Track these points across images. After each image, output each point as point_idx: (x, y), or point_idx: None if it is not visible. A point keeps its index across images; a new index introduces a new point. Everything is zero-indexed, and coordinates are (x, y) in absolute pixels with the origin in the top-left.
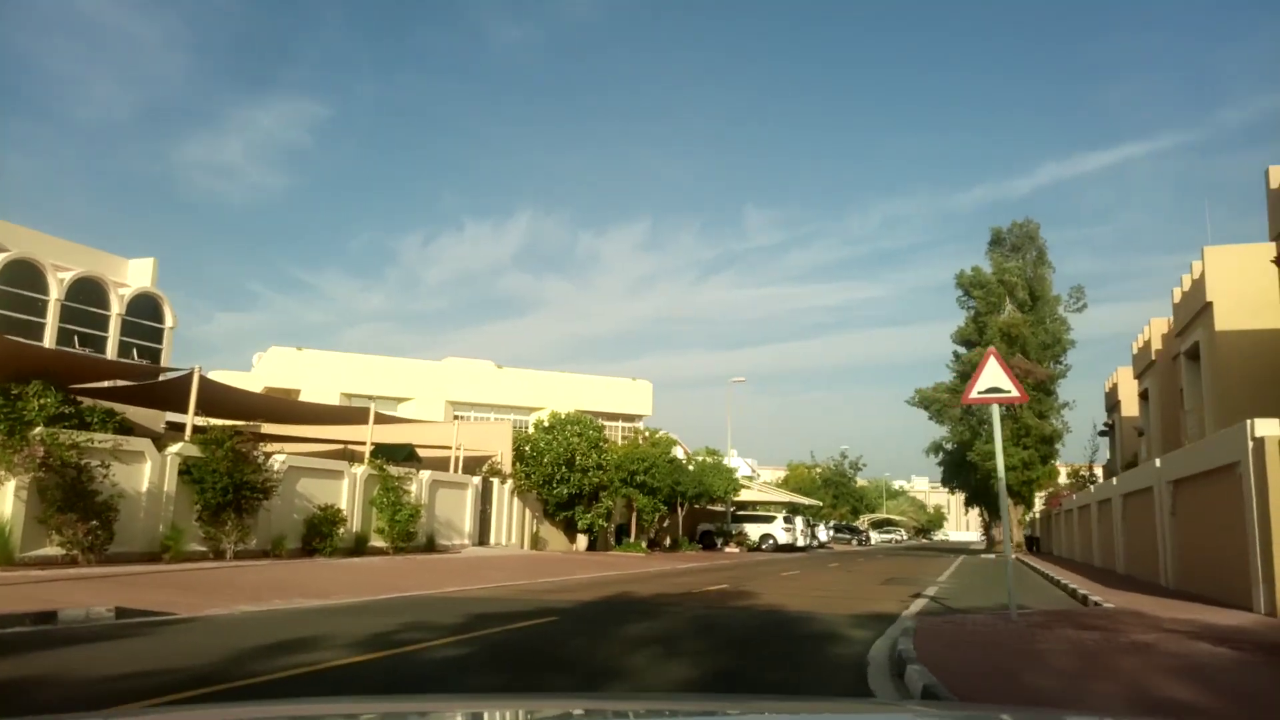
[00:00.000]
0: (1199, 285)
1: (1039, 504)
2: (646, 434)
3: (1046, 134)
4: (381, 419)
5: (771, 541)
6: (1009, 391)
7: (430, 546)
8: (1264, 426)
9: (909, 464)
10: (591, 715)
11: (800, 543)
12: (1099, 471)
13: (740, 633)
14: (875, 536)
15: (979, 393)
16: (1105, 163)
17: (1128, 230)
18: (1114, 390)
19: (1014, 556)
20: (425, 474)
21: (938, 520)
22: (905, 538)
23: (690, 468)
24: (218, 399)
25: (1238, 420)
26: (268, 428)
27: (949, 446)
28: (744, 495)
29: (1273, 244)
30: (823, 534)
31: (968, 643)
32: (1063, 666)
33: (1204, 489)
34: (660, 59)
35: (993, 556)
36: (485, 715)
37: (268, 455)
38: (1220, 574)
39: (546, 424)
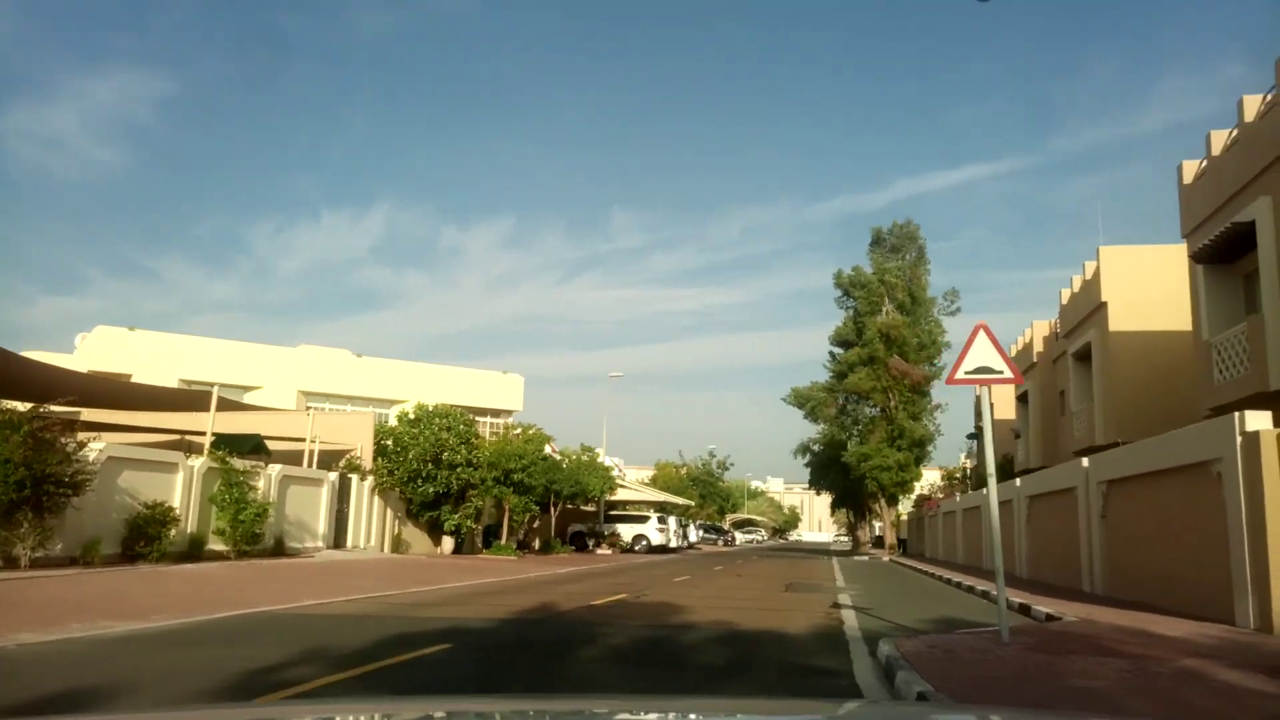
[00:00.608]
0: (1092, 286)
1: (907, 505)
2: (519, 430)
3: (900, 151)
4: (226, 405)
5: (645, 543)
6: (1000, 372)
7: (279, 550)
8: (1256, 420)
9: (766, 465)
10: (595, 715)
11: (673, 543)
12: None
13: (699, 660)
14: (739, 537)
15: (966, 373)
16: (953, 181)
17: (972, 246)
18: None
19: (888, 558)
20: (275, 468)
21: (793, 521)
22: (765, 538)
23: (564, 466)
24: (23, 377)
25: (1131, 420)
26: (91, 414)
27: (817, 448)
28: (618, 495)
29: (1164, 246)
30: (693, 534)
31: (984, 679)
32: (1140, 709)
33: (1153, 489)
34: (532, 55)
35: (865, 558)
36: (489, 716)
37: (80, 444)
38: (1177, 582)
39: (412, 416)
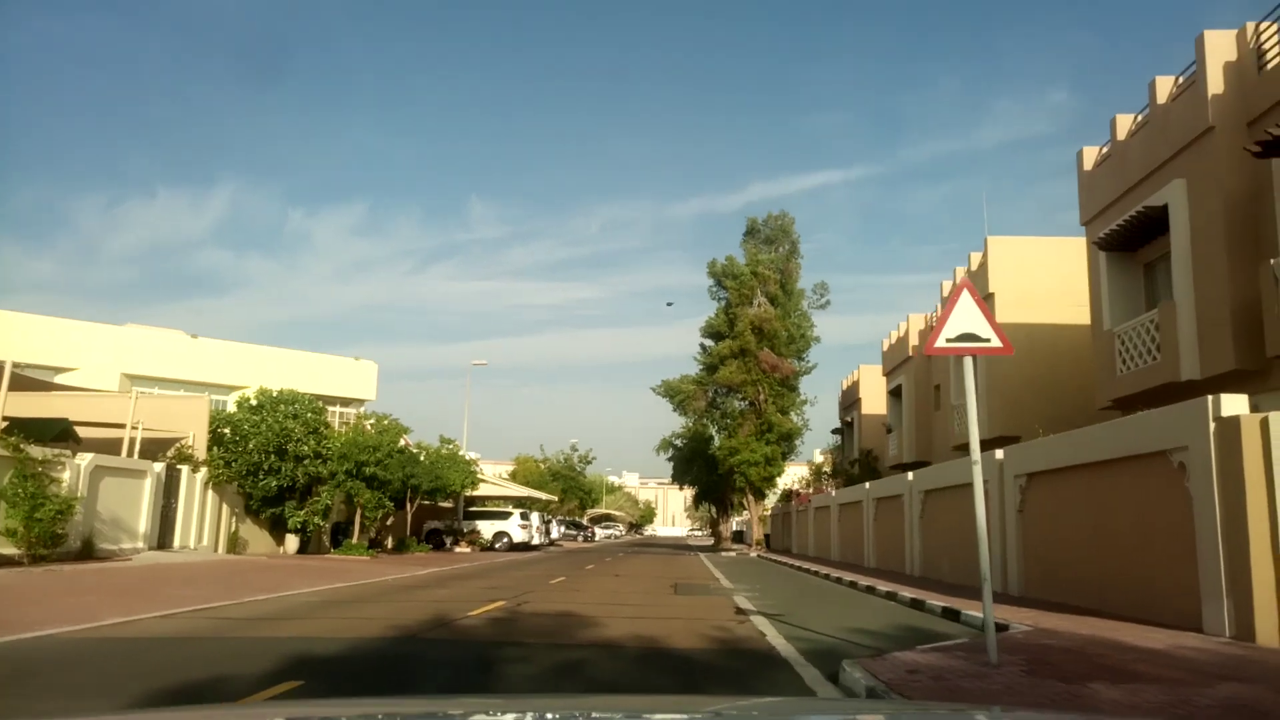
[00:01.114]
0: (978, 277)
1: (771, 500)
2: (372, 420)
3: (757, 155)
4: (26, 384)
5: (506, 540)
6: (987, 340)
7: (88, 552)
8: (1232, 404)
9: (623, 460)
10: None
11: (536, 540)
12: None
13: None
14: (598, 532)
15: (948, 340)
16: (806, 186)
17: (824, 249)
18: (854, 388)
19: (755, 554)
20: (85, 458)
21: (649, 516)
22: (622, 533)
23: (422, 458)
24: None
25: (1018, 414)
26: None
27: (680, 442)
28: (480, 490)
29: (1053, 238)
30: (555, 530)
31: None
32: None
33: (1087, 483)
34: (388, 39)
35: (732, 554)
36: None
37: None
38: (1121, 584)
39: (254, 402)
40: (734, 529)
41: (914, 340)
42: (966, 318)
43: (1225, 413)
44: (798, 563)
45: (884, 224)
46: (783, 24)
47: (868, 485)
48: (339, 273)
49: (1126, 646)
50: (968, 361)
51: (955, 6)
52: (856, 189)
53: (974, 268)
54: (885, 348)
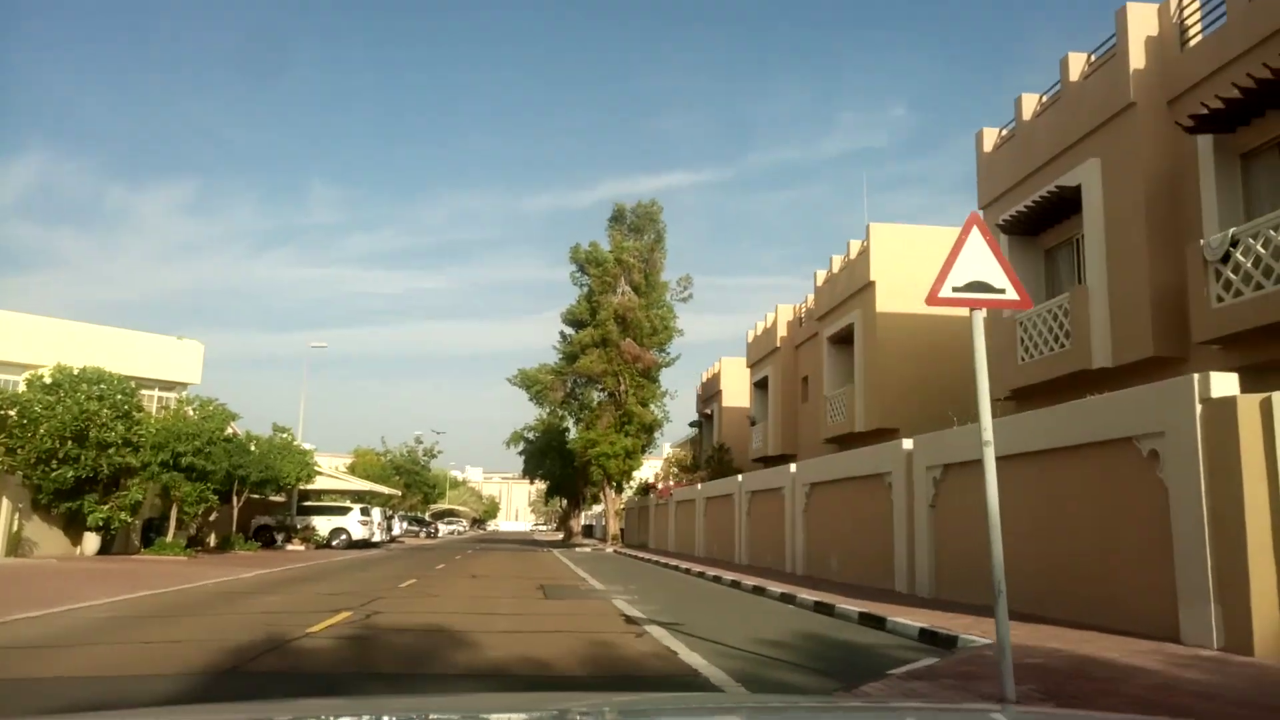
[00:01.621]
0: (858, 265)
1: (627, 494)
2: (196, 405)
3: (609, 153)
4: None
5: (345, 537)
6: (1001, 291)
7: None
8: (1223, 384)
9: (467, 454)
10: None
11: (377, 537)
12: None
13: None
14: (441, 528)
15: (955, 290)
16: (656, 187)
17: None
18: (714, 380)
19: (612, 549)
20: None
21: (493, 510)
22: (466, 528)
23: (253, 449)
24: None
25: (899, 406)
26: None
27: (532, 435)
28: (317, 483)
29: (936, 226)
30: (397, 527)
31: None
32: None
33: (1023, 473)
34: (224, 9)
35: (588, 549)
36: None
37: None
38: (1068, 587)
39: (48, 380)
40: (585, 524)
41: (782, 331)
42: (976, 261)
43: (1216, 393)
44: (660, 559)
45: (731, 227)
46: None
47: (741, 478)
48: (165, 253)
49: (1133, 668)
50: (977, 318)
51: (803, 20)
52: (705, 192)
53: (853, 255)
54: (750, 339)
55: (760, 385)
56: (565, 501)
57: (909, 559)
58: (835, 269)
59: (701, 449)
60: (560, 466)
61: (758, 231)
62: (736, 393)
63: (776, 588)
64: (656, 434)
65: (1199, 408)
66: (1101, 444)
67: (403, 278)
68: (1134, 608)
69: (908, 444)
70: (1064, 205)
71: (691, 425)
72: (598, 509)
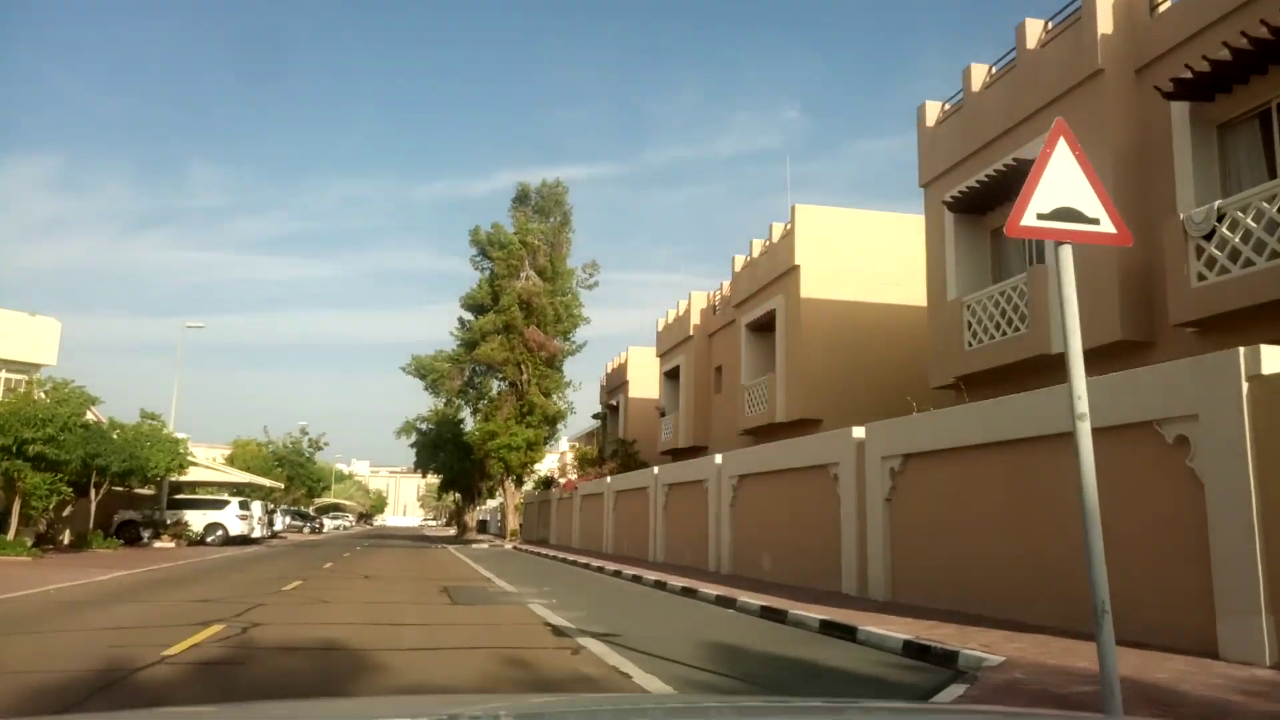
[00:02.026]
0: (781, 249)
1: (528, 486)
2: (48, 387)
3: (503, 145)
4: None
5: (222, 533)
6: (1095, 223)
7: None
8: (1275, 358)
9: (354, 447)
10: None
11: (257, 532)
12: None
13: None
14: (326, 523)
15: (1040, 218)
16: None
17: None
18: (620, 370)
19: (511, 545)
20: None
21: (380, 505)
22: (352, 523)
23: (115, 436)
24: None
25: (825, 395)
26: None
27: (426, 426)
28: (191, 474)
29: (863, 210)
30: (279, 521)
31: None
32: None
33: (1003, 464)
34: None
35: (485, 546)
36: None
37: None
38: (1064, 594)
39: None
40: (479, 519)
41: (695, 319)
42: (1065, 181)
43: (1268, 369)
44: (566, 556)
45: (626, 223)
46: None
47: (656, 470)
48: (26, 231)
49: (1205, 697)
50: (1065, 252)
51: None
52: (601, 186)
53: (776, 239)
54: (661, 328)
55: (671, 375)
56: (459, 496)
57: (859, 558)
58: (755, 253)
59: (605, 441)
60: (455, 459)
61: (652, 228)
62: (644, 383)
63: (709, 589)
64: (560, 426)
65: (1245, 386)
66: (1112, 429)
67: (289, 264)
68: (1151, 617)
69: (858, 432)
70: (1019, 180)
71: (595, 418)
72: (493, 504)
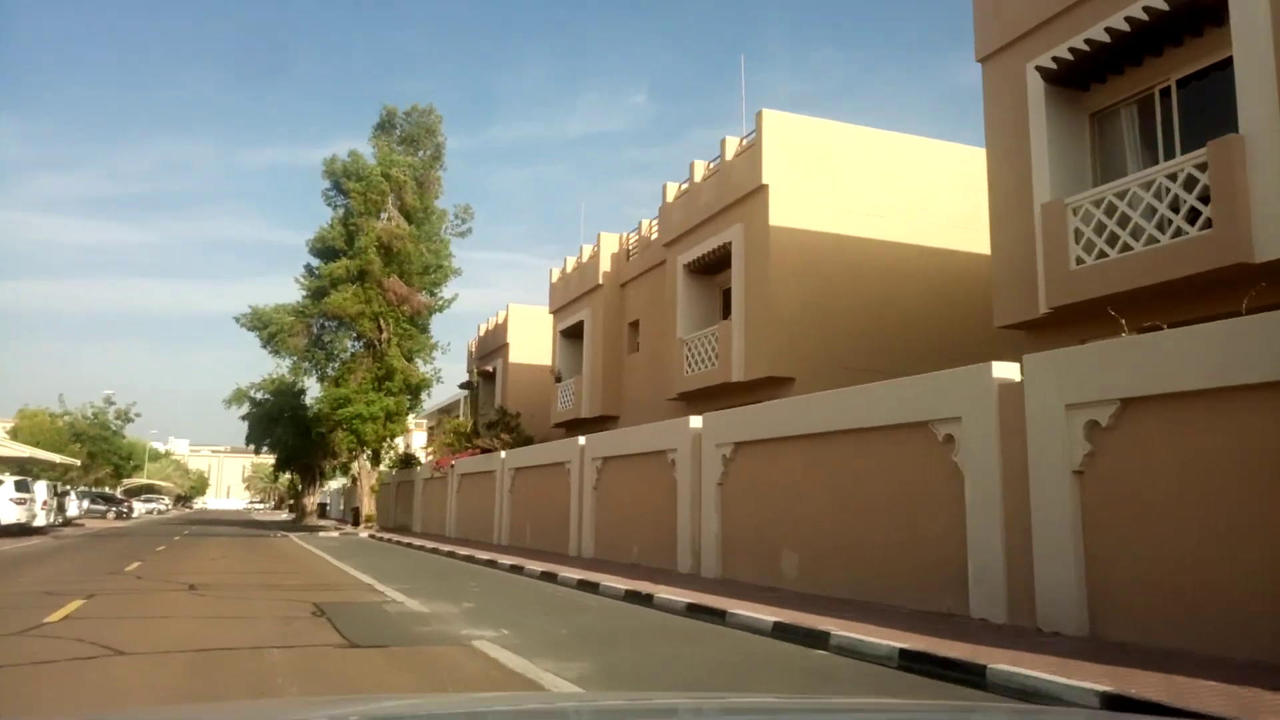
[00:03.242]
0: (739, 168)
1: (385, 465)
2: None
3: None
4: None
5: None
6: None
7: None
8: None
9: (173, 424)
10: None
11: (41, 520)
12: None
13: None
14: (138, 507)
15: None
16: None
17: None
18: (499, 332)
19: (367, 533)
20: None
21: (201, 487)
22: (169, 506)
23: None
24: None
25: (788, 345)
26: None
27: (260, 395)
28: None
29: (838, 122)
30: (73, 506)
31: None
32: None
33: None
34: None
35: (336, 534)
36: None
37: None
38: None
39: None
40: (319, 502)
41: (605, 266)
42: None
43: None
44: (447, 547)
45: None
46: None
47: (583, 440)
48: None
49: None
50: None
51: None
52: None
53: (730, 157)
54: (556, 279)
55: (571, 334)
56: (297, 476)
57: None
58: (698, 177)
59: (479, 413)
60: (294, 434)
61: (496, 206)
62: (529, 346)
63: (613, 583)
64: (424, 395)
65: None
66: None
67: (100, 228)
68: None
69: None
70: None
71: (463, 387)
72: (334, 485)
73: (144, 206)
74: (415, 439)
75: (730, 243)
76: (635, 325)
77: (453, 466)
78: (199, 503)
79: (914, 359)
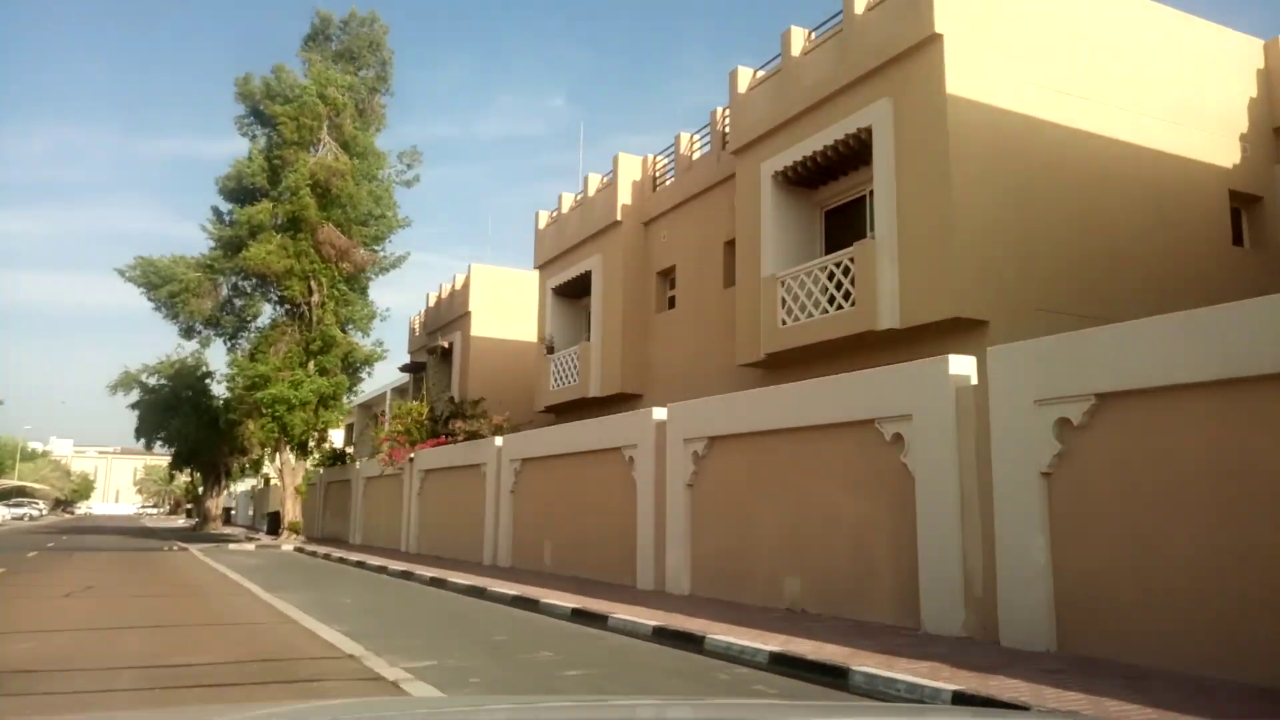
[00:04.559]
0: (889, 19)
1: (311, 462)
2: None
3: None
4: None
5: None
6: None
7: None
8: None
9: (54, 424)
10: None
11: None
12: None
13: None
14: (5, 513)
15: None
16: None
17: None
18: (453, 302)
19: (291, 545)
20: None
21: (86, 490)
22: (44, 512)
23: None
24: None
25: (988, 277)
26: None
27: (154, 381)
28: None
29: None
30: None
31: None
32: None
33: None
34: None
35: (250, 546)
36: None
37: None
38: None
39: None
40: (224, 506)
41: (624, 198)
42: None
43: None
44: (413, 568)
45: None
46: None
47: (660, 412)
48: None
49: None
50: None
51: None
52: None
53: (862, 9)
54: (545, 224)
55: (568, 292)
56: (197, 476)
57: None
58: (796, 50)
59: (428, 397)
60: (195, 426)
61: (407, 206)
62: (494, 317)
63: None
64: (364, 374)
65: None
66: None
67: None
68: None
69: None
70: None
71: (406, 369)
72: (242, 487)
73: (30, 194)
74: (333, 437)
75: (868, 129)
76: (667, 274)
77: (411, 461)
78: (82, 508)
79: (1130, 298)
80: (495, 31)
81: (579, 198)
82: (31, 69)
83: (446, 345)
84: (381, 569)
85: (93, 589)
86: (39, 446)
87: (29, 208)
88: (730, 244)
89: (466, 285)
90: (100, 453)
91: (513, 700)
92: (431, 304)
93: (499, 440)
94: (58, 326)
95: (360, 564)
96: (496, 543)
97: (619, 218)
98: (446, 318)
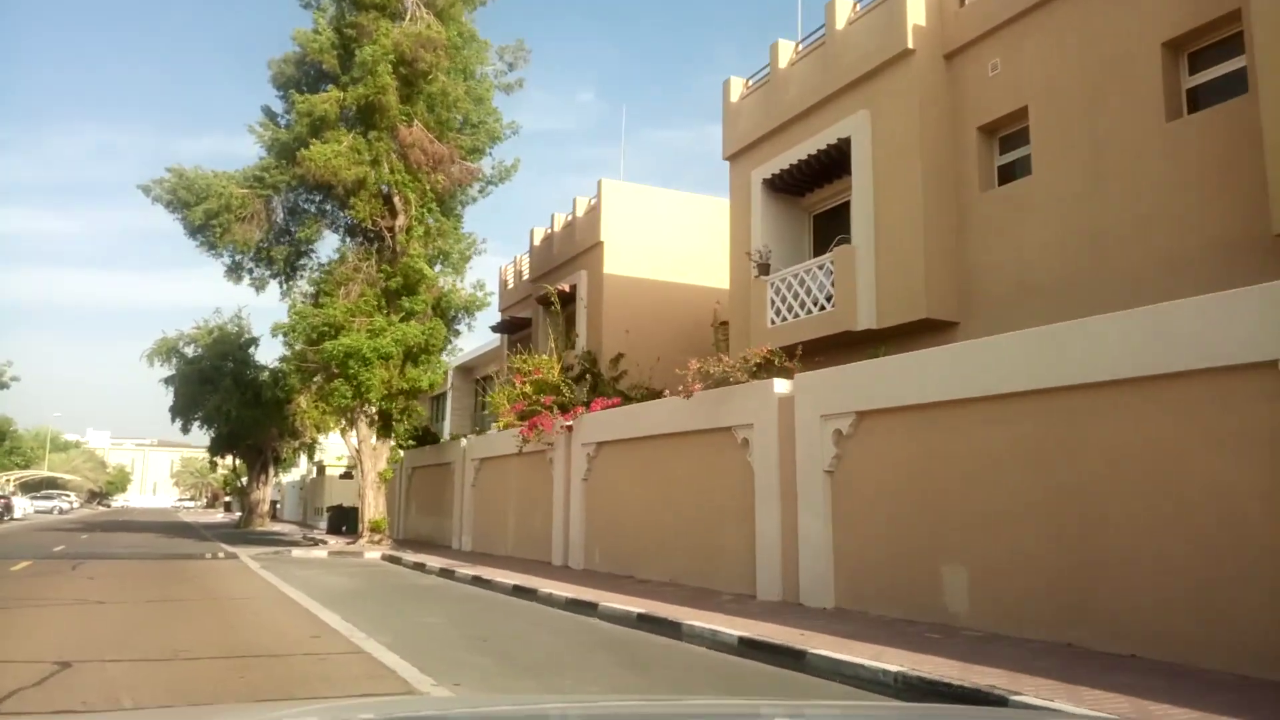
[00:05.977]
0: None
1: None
2: None
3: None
4: None
5: None
6: None
7: None
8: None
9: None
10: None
11: None
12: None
13: None
14: (28, 506)
15: None
16: None
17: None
18: (581, 228)
19: (377, 552)
20: None
21: (123, 483)
22: (76, 505)
23: None
24: None
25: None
26: None
27: (192, 349)
28: None
29: None
30: None
31: None
32: None
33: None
34: None
35: (322, 553)
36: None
37: None
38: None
39: None
40: (270, 499)
41: (917, 17)
42: None
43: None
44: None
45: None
46: None
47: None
48: None
49: None
50: None
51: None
52: None
53: None
54: (741, 93)
55: (788, 184)
56: (241, 463)
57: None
58: None
59: (564, 357)
60: (237, 402)
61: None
62: (632, 251)
63: None
64: (465, 325)
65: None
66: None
67: (17, 215)
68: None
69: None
70: None
71: (497, 329)
72: (291, 477)
73: (70, 194)
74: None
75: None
76: (996, 129)
77: (570, 431)
78: (118, 500)
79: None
80: (524, 29)
81: (818, 39)
82: (72, 71)
83: (568, 289)
84: (591, 606)
85: (69, 668)
86: (75, 438)
87: (66, 207)
88: (1172, 44)
89: (596, 210)
90: (138, 445)
91: (519, 699)
92: (538, 242)
93: (781, 384)
94: (98, 323)
95: (532, 592)
96: (779, 563)
97: (910, 44)
98: (564, 255)
